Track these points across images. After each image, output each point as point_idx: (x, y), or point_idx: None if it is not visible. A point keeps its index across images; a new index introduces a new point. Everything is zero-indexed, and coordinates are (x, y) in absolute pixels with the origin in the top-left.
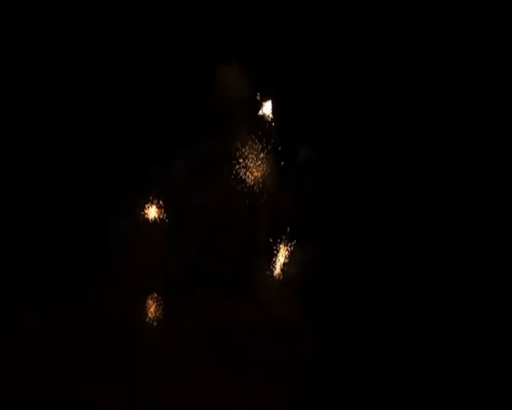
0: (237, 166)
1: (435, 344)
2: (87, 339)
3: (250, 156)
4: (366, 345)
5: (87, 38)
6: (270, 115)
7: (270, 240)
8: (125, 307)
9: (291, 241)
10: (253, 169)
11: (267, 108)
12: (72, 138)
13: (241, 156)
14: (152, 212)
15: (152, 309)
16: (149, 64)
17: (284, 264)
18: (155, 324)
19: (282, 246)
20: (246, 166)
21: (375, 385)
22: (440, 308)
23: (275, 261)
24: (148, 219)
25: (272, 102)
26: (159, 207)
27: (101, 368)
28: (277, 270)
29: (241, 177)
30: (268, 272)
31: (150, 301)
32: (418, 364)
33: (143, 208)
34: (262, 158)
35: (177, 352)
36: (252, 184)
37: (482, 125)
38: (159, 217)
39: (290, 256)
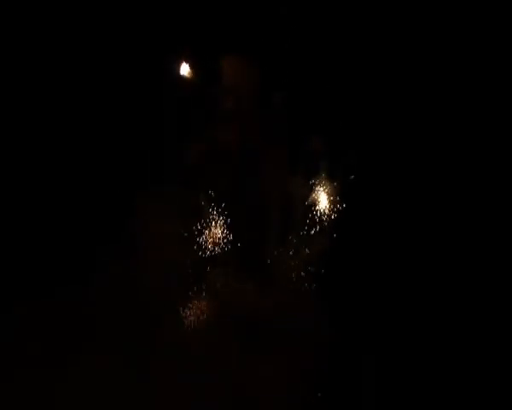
0: (249, 153)
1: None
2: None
3: (261, 144)
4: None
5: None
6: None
7: (283, 227)
8: (141, 292)
9: (303, 228)
10: (265, 157)
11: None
12: (87, 120)
13: (252, 144)
14: (167, 198)
15: (169, 296)
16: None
17: (298, 249)
18: (173, 309)
19: (294, 233)
20: (257, 154)
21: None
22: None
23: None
24: (164, 205)
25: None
26: (174, 192)
27: (119, 350)
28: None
29: (253, 164)
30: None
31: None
32: (419, 340)
33: (159, 194)
34: (273, 145)
35: (194, 333)
36: (265, 171)
37: (482, 124)
38: (175, 202)
39: (303, 242)
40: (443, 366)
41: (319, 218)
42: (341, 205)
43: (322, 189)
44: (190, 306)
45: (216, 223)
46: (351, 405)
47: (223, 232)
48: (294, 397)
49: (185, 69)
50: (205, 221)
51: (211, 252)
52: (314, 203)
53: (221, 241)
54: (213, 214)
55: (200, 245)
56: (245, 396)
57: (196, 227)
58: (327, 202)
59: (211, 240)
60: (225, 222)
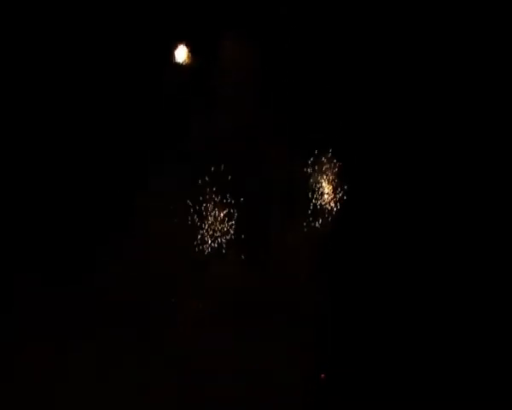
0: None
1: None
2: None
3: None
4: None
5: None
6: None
7: (282, 211)
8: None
9: (302, 213)
10: (266, 142)
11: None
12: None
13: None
14: (174, 185)
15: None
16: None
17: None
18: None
19: (294, 217)
20: (258, 140)
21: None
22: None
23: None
24: (170, 193)
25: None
26: (180, 181)
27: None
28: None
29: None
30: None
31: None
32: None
33: (165, 183)
34: (275, 135)
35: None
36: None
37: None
38: (180, 192)
39: (302, 226)
40: (440, 333)
41: (318, 202)
42: (341, 191)
43: (321, 175)
44: (192, 288)
45: (216, 207)
46: (349, 379)
47: (223, 217)
48: (294, 371)
49: (184, 53)
50: (205, 205)
51: (211, 235)
52: (313, 189)
53: (221, 224)
54: (214, 199)
55: (200, 228)
56: (247, 370)
57: (196, 212)
58: (326, 187)
59: (211, 224)
60: (225, 207)
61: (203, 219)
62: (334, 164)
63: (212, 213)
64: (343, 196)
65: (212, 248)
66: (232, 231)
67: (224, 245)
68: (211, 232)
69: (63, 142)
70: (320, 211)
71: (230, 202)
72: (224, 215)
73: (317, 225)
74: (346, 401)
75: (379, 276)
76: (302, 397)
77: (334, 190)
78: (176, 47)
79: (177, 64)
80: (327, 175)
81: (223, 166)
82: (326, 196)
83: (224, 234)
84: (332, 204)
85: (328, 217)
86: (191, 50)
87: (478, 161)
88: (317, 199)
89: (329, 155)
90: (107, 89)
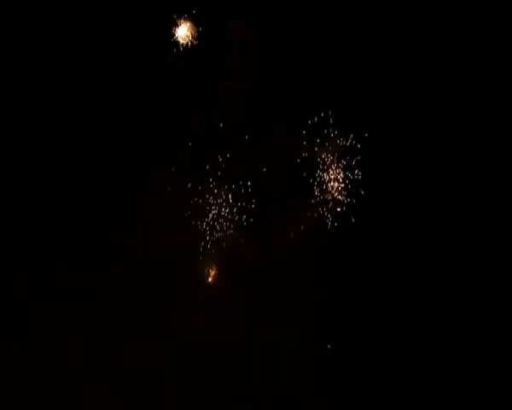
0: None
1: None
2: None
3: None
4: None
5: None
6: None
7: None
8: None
9: (307, 190)
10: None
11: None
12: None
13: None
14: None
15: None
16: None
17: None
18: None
19: (298, 194)
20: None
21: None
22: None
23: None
24: (173, 168)
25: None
26: (194, 158)
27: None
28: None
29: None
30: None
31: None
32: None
33: (167, 159)
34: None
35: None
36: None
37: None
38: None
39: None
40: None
41: (322, 181)
42: (346, 169)
43: (326, 153)
44: (200, 263)
45: (222, 186)
46: (356, 354)
47: (229, 194)
48: (302, 344)
49: (188, 34)
50: (212, 184)
51: (219, 212)
52: (318, 166)
53: (228, 201)
54: (220, 177)
55: (208, 205)
56: (255, 341)
57: (204, 190)
58: (330, 165)
59: (218, 201)
60: (231, 185)
61: (211, 200)
62: (337, 145)
63: (217, 190)
64: (348, 176)
65: (220, 226)
66: (239, 212)
67: (232, 225)
68: (219, 212)
69: (67, 127)
70: (325, 192)
71: (236, 183)
72: (230, 197)
73: (322, 205)
74: (350, 372)
75: (384, 255)
76: (308, 370)
77: (339, 171)
78: (177, 32)
79: (179, 47)
80: (331, 155)
81: (230, 148)
82: (330, 178)
83: (231, 214)
84: (337, 185)
85: (333, 197)
86: (192, 35)
87: (478, 160)
88: (321, 178)
89: (332, 136)
90: (108, 77)
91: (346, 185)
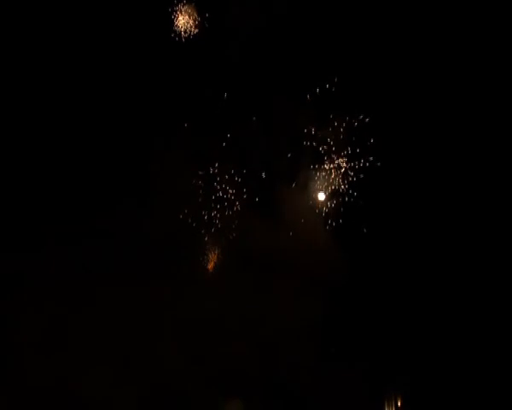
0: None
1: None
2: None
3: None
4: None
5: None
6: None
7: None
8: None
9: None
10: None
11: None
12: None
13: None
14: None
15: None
16: None
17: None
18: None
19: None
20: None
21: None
22: None
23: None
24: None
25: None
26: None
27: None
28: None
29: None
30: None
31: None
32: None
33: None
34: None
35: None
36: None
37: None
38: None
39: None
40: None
41: (328, 158)
42: (351, 145)
43: (331, 131)
44: (205, 243)
45: (227, 165)
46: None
47: (234, 173)
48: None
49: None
50: (217, 163)
51: (224, 191)
52: (323, 143)
53: (233, 181)
54: (225, 156)
55: (213, 188)
56: (260, 320)
57: (208, 169)
58: (336, 142)
59: (223, 180)
60: (236, 164)
61: (216, 183)
62: (347, 123)
63: (222, 169)
64: (355, 152)
65: (224, 210)
66: (244, 194)
67: (237, 208)
68: (223, 195)
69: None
70: (329, 167)
71: (239, 158)
72: (235, 180)
73: (323, 181)
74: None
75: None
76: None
77: (344, 146)
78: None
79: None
80: (337, 132)
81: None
82: (335, 153)
83: (236, 196)
84: (342, 162)
85: (339, 180)
86: (194, 22)
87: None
88: (326, 156)
89: (340, 112)
90: (108, 65)
91: (351, 171)
